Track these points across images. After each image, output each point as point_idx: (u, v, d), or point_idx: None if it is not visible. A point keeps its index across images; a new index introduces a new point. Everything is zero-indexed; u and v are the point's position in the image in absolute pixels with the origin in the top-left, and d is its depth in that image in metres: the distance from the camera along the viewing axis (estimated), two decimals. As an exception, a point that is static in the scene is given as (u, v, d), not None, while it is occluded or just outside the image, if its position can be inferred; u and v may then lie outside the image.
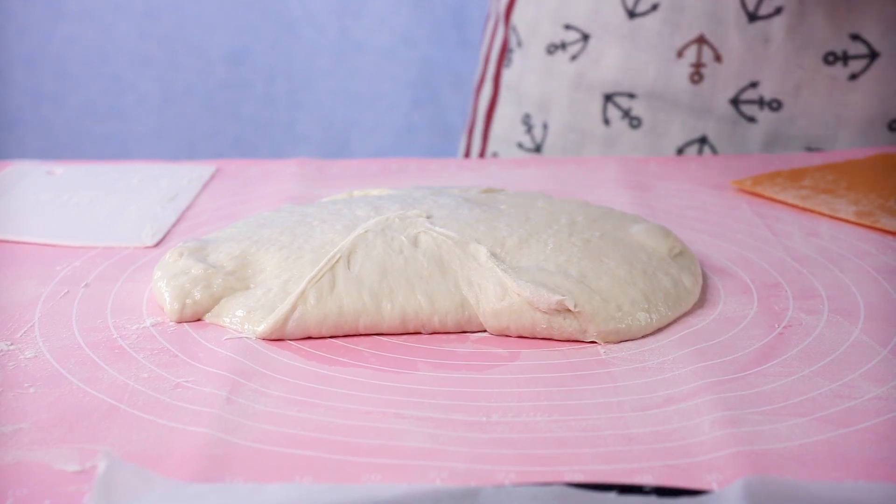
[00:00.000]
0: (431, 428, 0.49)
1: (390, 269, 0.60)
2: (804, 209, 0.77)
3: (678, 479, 0.46)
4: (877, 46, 0.80)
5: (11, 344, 0.58)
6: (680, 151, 0.89)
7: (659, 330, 0.59)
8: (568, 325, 0.58)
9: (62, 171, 0.85)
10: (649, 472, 0.46)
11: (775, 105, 0.84)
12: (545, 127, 0.93)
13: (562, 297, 0.57)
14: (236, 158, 0.90)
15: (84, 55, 2.02)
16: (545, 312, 0.57)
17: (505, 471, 0.46)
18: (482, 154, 1.02)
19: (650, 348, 0.57)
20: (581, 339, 0.58)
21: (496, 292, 0.58)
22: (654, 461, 0.47)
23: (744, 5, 0.82)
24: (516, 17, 0.97)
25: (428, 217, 0.64)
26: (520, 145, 0.96)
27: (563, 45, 0.91)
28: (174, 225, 0.75)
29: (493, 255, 0.61)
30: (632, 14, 0.85)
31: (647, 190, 0.82)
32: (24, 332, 0.59)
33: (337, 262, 0.60)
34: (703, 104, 0.88)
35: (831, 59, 0.81)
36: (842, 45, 0.81)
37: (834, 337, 0.58)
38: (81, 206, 0.78)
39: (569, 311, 0.57)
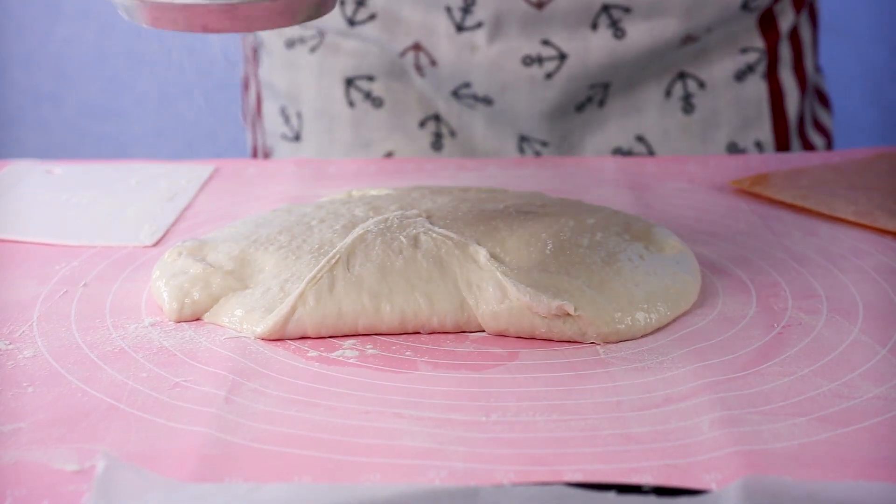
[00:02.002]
0: (430, 428, 0.49)
1: (389, 270, 0.60)
2: (803, 209, 0.77)
3: (677, 478, 0.46)
4: (565, 49, 0.91)
5: (10, 343, 0.58)
6: (422, 125, 0.98)
7: (658, 330, 0.59)
8: (568, 329, 0.58)
9: (61, 171, 0.85)
10: (648, 472, 0.46)
11: (487, 101, 0.94)
12: (299, 116, 1.01)
13: (562, 302, 0.57)
14: (235, 158, 0.90)
15: (83, 55, 2.02)
16: (545, 317, 0.57)
17: (504, 470, 0.46)
18: (257, 150, 1.09)
19: (649, 348, 0.57)
20: (581, 340, 0.58)
21: (495, 295, 0.58)
22: (653, 461, 0.47)
23: (451, 19, 0.91)
24: None
25: (427, 217, 0.64)
26: (283, 136, 1.03)
27: (303, 40, 0.99)
28: (173, 224, 0.75)
29: (493, 255, 0.61)
30: (351, 22, 0.95)
31: (647, 190, 0.82)
32: (23, 332, 0.59)
33: (336, 262, 0.59)
34: (431, 90, 0.97)
35: (528, 61, 0.91)
36: (536, 49, 0.91)
37: (833, 337, 0.58)
38: (80, 205, 0.78)
39: (568, 314, 0.57)
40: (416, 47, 0.93)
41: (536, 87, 0.93)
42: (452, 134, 0.97)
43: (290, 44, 0.99)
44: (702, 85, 0.96)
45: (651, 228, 0.67)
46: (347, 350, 0.57)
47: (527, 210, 0.67)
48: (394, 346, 0.58)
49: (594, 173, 0.86)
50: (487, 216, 0.65)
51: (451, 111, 0.97)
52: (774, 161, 0.89)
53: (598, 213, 0.68)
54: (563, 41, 0.91)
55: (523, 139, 0.97)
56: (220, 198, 0.81)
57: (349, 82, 0.98)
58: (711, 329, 0.59)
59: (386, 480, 0.46)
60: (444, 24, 0.92)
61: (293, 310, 0.58)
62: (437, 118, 0.98)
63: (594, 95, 0.95)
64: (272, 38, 1.01)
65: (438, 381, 0.54)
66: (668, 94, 0.96)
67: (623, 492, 0.44)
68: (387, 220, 0.63)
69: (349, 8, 0.94)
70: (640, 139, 0.97)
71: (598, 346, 0.57)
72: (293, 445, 0.48)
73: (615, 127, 0.97)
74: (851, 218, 0.74)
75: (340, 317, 0.58)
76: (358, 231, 0.61)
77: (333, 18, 0.95)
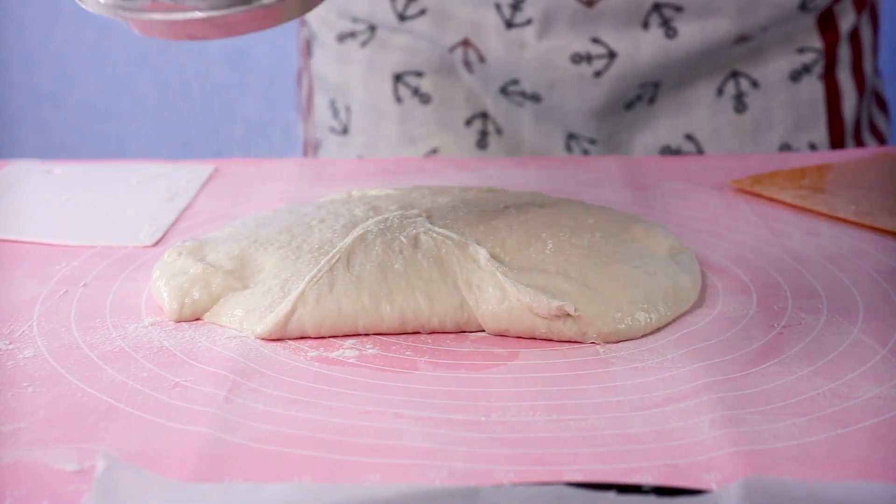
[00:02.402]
0: (430, 427, 0.49)
1: (389, 269, 0.60)
2: (803, 209, 0.77)
3: (677, 478, 0.46)
4: (615, 48, 0.91)
5: (10, 343, 0.58)
6: (468, 123, 0.99)
7: (658, 329, 0.59)
8: (568, 329, 0.58)
9: (61, 171, 0.85)
10: (648, 472, 0.46)
11: (536, 97, 0.94)
12: (348, 110, 1.02)
13: (562, 303, 0.57)
14: (235, 158, 0.90)
15: (83, 55, 2.02)
16: (545, 318, 0.57)
17: (504, 470, 0.46)
18: (308, 143, 1.10)
19: (649, 348, 0.57)
20: (581, 340, 0.58)
21: (495, 295, 0.58)
22: (653, 461, 0.47)
23: (501, 15, 0.91)
24: (309, 14, 1.04)
25: (427, 217, 0.64)
26: (332, 129, 1.04)
27: (354, 34, 0.99)
28: (173, 224, 0.75)
29: (493, 255, 0.61)
30: (402, 17, 0.95)
31: (647, 190, 0.82)
32: (23, 332, 0.59)
33: (336, 262, 0.59)
34: (479, 87, 0.97)
35: (577, 59, 0.92)
36: (585, 47, 0.91)
37: (833, 336, 0.58)
38: (80, 205, 0.78)
39: (569, 315, 0.57)
40: (465, 43, 0.93)
41: (585, 85, 0.93)
42: (499, 132, 0.98)
43: (342, 38, 1.00)
44: (755, 84, 0.95)
45: (651, 228, 0.67)
46: (347, 350, 0.57)
47: (527, 210, 0.67)
48: (394, 346, 0.58)
49: (594, 173, 0.86)
50: (487, 216, 0.65)
51: (498, 108, 0.97)
52: (775, 161, 0.89)
53: (598, 213, 0.68)
54: (612, 39, 0.91)
55: (571, 137, 0.97)
56: (220, 198, 0.81)
57: (398, 78, 0.98)
58: (711, 329, 0.59)
59: (386, 480, 0.46)
60: (493, 21, 0.92)
61: (293, 310, 0.58)
62: (484, 116, 0.98)
63: (644, 94, 0.95)
64: (324, 31, 1.02)
65: (438, 381, 0.54)
66: (720, 92, 0.96)
67: (623, 492, 0.44)
68: (387, 220, 0.63)
69: (400, 3, 0.95)
70: (690, 137, 0.97)
71: (598, 346, 0.57)
72: (293, 445, 0.48)
73: (664, 125, 0.97)
74: (851, 218, 0.74)
75: (340, 316, 0.58)
76: (358, 231, 0.61)
77: (384, 13, 0.96)
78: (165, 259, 0.64)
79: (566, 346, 0.58)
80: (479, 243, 0.61)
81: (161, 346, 0.57)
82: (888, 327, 0.59)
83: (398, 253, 0.60)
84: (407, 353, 0.57)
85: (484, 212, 0.66)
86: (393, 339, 0.59)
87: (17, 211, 0.77)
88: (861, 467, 0.46)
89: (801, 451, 0.47)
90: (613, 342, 0.58)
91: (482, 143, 0.99)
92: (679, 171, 0.86)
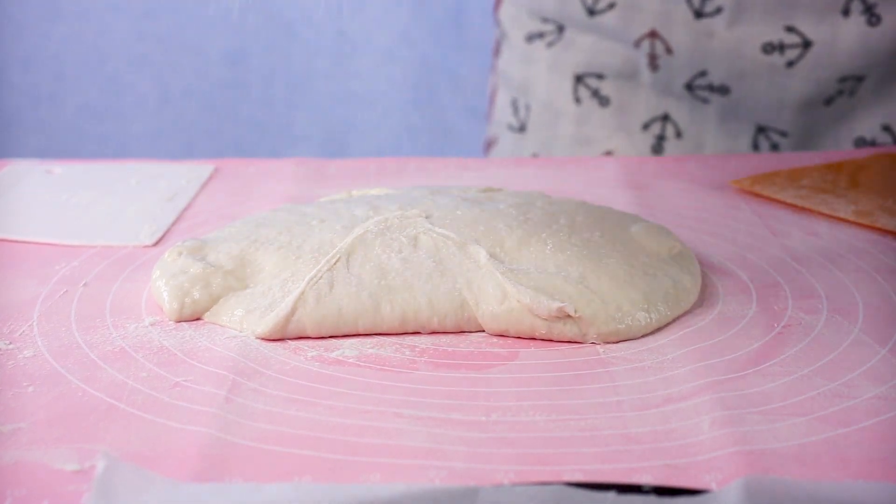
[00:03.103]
0: (430, 427, 0.49)
1: (389, 269, 0.60)
2: (803, 209, 0.77)
3: (677, 478, 0.46)
4: (810, 36, 0.89)
5: (10, 343, 0.58)
6: (646, 127, 0.99)
7: (658, 329, 0.59)
8: (568, 330, 0.58)
9: (61, 171, 0.85)
10: (648, 472, 0.46)
11: (724, 90, 0.93)
12: (527, 108, 1.03)
13: (562, 304, 0.57)
14: (235, 158, 0.90)
15: (82, 55, 2.02)
16: (545, 319, 0.57)
17: (504, 470, 0.46)
18: (490, 139, 1.11)
19: (649, 348, 0.57)
20: (581, 341, 0.58)
21: (495, 296, 0.58)
22: (653, 461, 0.47)
23: (690, 5, 0.90)
24: (501, 13, 1.07)
25: (427, 217, 0.64)
26: (509, 126, 1.05)
27: (541, 35, 1.00)
28: (173, 224, 0.75)
29: (493, 255, 0.61)
30: (591, 11, 0.95)
31: (647, 190, 0.82)
32: (23, 332, 0.59)
33: (336, 262, 0.59)
34: (662, 87, 0.97)
35: (769, 48, 0.90)
36: (778, 36, 0.89)
37: (833, 336, 0.58)
38: (80, 205, 0.78)
39: (569, 316, 0.57)
40: (653, 34, 0.93)
41: (776, 76, 0.91)
42: (678, 135, 0.97)
43: (530, 38, 1.01)
44: None
45: (651, 228, 0.67)
46: (347, 349, 0.57)
47: (527, 210, 0.67)
48: (394, 346, 0.58)
49: (594, 173, 0.86)
50: (487, 216, 0.65)
51: (681, 109, 0.97)
52: (775, 161, 0.89)
53: (598, 213, 0.68)
54: (808, 27, 0.89)
55: (760, 130, 0.95)
56: (221, 197, 0.81)
57: (579, 79, 0.99)
58: (711, 329, 0.59)
59: (386, 480, 0.46)
60: (682, 11, 0.91)
61: (293, 310, 0.58)
62: (664, 119, 0.98)
63: (845, 89, 0.92)
64: (514, 31, 1.03)
65: (438, 381, 0.54)
66: None
67: (623, 492, 0.44)
68: (387, 220, 0.63)
69: None
70: (887, 129, 0.94)
71: (598, 346, 0.57)
72: (293, 445, 0.48)
73: (862, 116, 0.95)
74: (851, 218, 0.74)
75: (340, 317, 0.58)
76: (358, 231, 0.62)
77: (574, 8, 0.97)
78: (165, 259, 0.64)
79: (566, 346, 0.58)
80: (478, 243, 0.61)
81: (161, 346, 0.57)
82: (888, 327, 0.59)
83: (398, 253, 0.60)
84: (407, 352, 0.57)
85: (484, 212, 0.66)
86: (393, 338, 0.59)
87: (17, 211, 0.77)
88: (861, 467, 0.46)
89: (801, 451, 0.47)
90: (613, 342, 0.58)
91: (658, 147, 0.99)
92: (679, 171, 0.86)
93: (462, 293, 0.59)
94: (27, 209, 0.77)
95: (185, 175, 0.84)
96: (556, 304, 0.57)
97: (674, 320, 0.60)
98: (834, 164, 0.85)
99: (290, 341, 0.58)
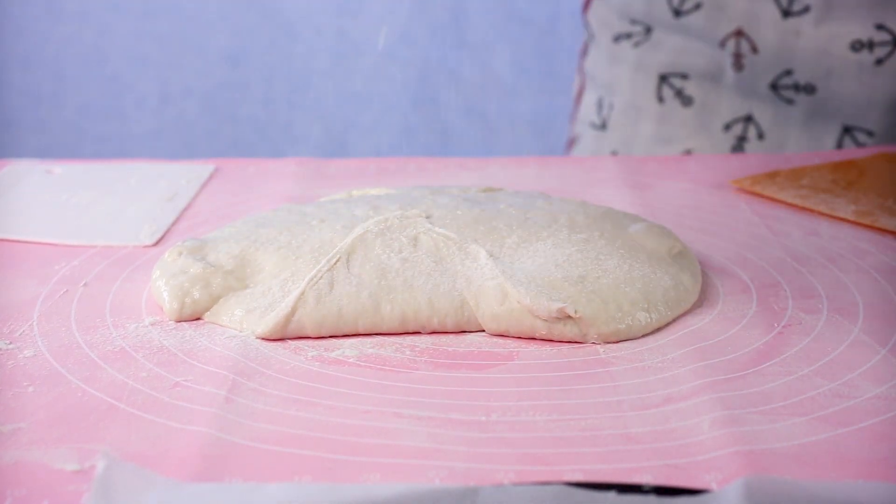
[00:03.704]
0: (430, 427, 0.49)
1: (389, 269, 0.60)
2: (803, 209, 0.77)
3: (677, 478, 0.46)
4: None
5: (10, 343, 0.58)
6: (727, 128, 0.99)
7: (658, 329, 0.59)
8: (568, 331, 0.58)
9: (61, 171, 0.85)
10: (648, 472, 0.46)
11: (809, 89, 0.93)
12: (611, 106, 1.04)
13: (562, 305, 0.57)
14: (235, 158, 0.90)
15: (82, 55, 2.01)
16: (546, 320, 0.57)
17: (504, 470, 0.46)
18: (572, 137, 1.14)
19: (649, 347, 0.57)
20: (581, 341, 0.58)
21: (495, 296, 0.58)
22: (653, 460, 0.47)
23: (778, 4, 0.91)
24: (590, 15, 1.09)
25: (427, 217, 0.64)
26: (591, 124, 1.07)
27: (629, 35, 1.02)
28: (173, 224, 0.75)
29: (493, 255, 0.61)
30: (678, 12, 0.96)
31: (647, 190, 0.82)
32: (23, 331, 0.59)
33: (336, 262, 0.59)
34: (746, 87, 0.97)
35: (858, 46, 0.89)
36: (867, 33, 0.89)
37: (833, 336, 0.58)
38: (80, 205, 0.78)
39: (569, 317, 0.57)
40: (738, 33, 0.93)
41: (865, 74, 0.91)
42: (760, 136, 0.98)
43: (617, 38, 1.03)
44: None
45: (651, 228, 0.67)
46: (347, 349, 0.57)
47: (527, 210, 0.67)
48: (394, 346, 0.58)
49: (594, 173, 0.86)
50: (487, 216, 0.65)
51: (765, 110, 0.97)
52: (775, 161, 0.89)
53: (598, 213, 0.68)
54: None
55: (846, 130, 0.95)
56: (221, 197, 0.81)
57: (663, 78, 1.01)
58: (712, 329, 0.59)
59: (386, 480, 0.46)
60: (769, 10, 0.92)
61: (293, 310, 0.58)
62: (747, 119, 0.98)
63: None
64: (602, 32, 1.05)
65: (438, 381, 0.54)
66: None
67: (623, 491, 0.44)
68: (387, 220, 0.63)
69: None
70: None
71: (598, 346, 0.57)
72: (293, 445, 0.48)
73: None
74: (851, 218, 0.74)
75: (340, 317, 0.58)
76: (358, 231, 0.62)
77: (661, 9, 0.98)
78: (165, 259, 0.64)
79: (566, 345, 0.58)
80: (478, 243, 0.61)
81: (161, 346, 0.57)
82: (888, 327, 0.59)
83: (398, 253, 0.60)
84: (407, 352, 0.57)
85: (484, 212, 0.66)
86: (393, 338, 0.59)
87: (17, 211, 0.77)
88: (861, 467, 0.46)
89: (802, 451, 0.47)
90: (613, 342, 0.58)
91: (738, 147, 1.00)
92: (679, 171, 0.86)
93: (462, 293, 0.59)
94: (27, 209, 0.77)
95: (185, 175, 0.84)
96: (556, 305, 0.57)
97: (674, 320, 0.60)
98: (834, 163, 0.85)
99: (290, 341, 0.58)
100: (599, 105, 1.07)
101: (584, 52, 1.10)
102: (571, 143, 1.12)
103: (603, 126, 1.06)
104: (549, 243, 0.63)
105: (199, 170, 0.86)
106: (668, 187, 0.82)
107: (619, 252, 0.63)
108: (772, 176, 0.82)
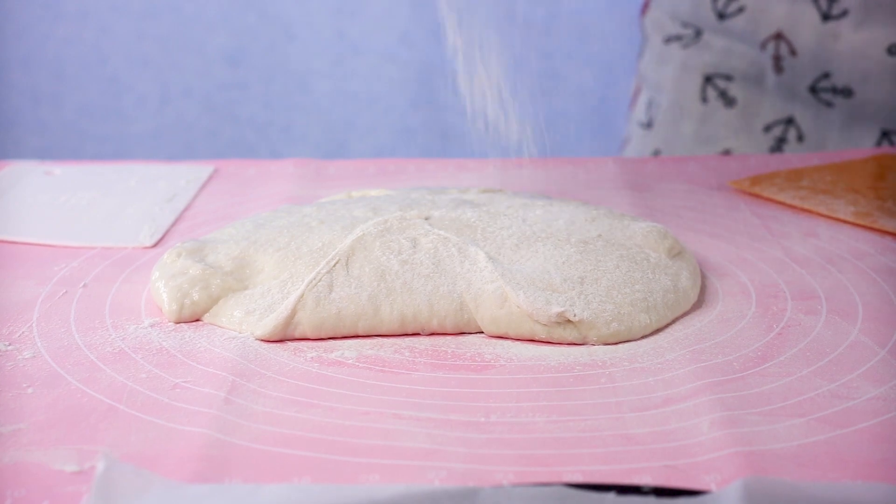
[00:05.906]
0: (430, 428, 0.49)
1: (389, 271, 0.60)
2: (802, 210, 0.77)
3: (677, 479, 0.46)
4: None
5: (9, 344, 0.58)
6: (767, 129, 1.01)
7: (658, 330, 0.59)
8: (568, 335, 0.58)
9: (60, 172, 0.85)
10: (648, 473, 0.46)
11: (847, 92, 0.95)
12: (658, 106, 1.07)
13: (562, 310, 0.57)
14: (234, 159, 0.90)
15: (82, 56, 2.01)
16: (545, 325, 0.57)
17: (503, 471, 0.46)
18: (625, 137, 1.16)
19: (649, 349, 0.57)
20: (581, 343, 0.58)
21: (495, 300, 0.58)
22: (652, 462, 0.47)
23: (818, 8, 0.93)
24: (646, 19, 1.12)
25: (427, 218, 0.64)
26: (639, 122, 1.10)
27: (679, 37, 1.04)
28: (172, 225, 0.75)
29: (492, 257, 0.61)
30: (721, 15, 0.98)
31: (647, 190, 0.82)
32: (23, 333, 0.59)
33: (336, 264, 0.59)
34: (787, 90, 0.99)
35: (894, 50, 0.91)
36: None
37: (832, 337, 0.58)
38: (80, 206, 0.78)
39: (569, 321, 0.57)
40: (778, 36, 0.95)
41: None
42: (800, 138, 1.00)
43: (668, 40, 1.05)
44: None
45: (651, 229, 0.67)
46: (347, 351, 0.57)
47: (526, 211, 0.67)
48: (393, 347, 0.58)
49: (594, 173, 0.86)
50: (487, 217, 0.65)
51: (806, 113, 0.99)
52: (774, 161, 0.89)
53: (598, 214, 0.68)
54: None
55: (885, 135, 0.97)
56: (220, 198, 0.81)
57: (708, 79, 1.03)
58: (711, 330, 0.59)
59: (385, 481, 0.46)
60: (809, 14, 0.93)
61: (293, 312, 0.58)
62: (788, 122, 1.00)
63: None
64: (655, 34, 1.07)
65: (438, 382, 0.54)
66: None
67: (623, 492, 0.44)
68: (386, 221, 0.63)
69: (721, 2, 0.98)
70: None
71: (597, 347, 0.57)
72: (293, 446, 0.48)
73: None
74: (851, 218, 0.74)
75: (340, 319, 0.58)
76: (357, 232, 0.61)
77: (706, 12, 1.01)
78: (165, 260, 0.64)
79: (565, 346, 0.58)
80: (478, 245, 0.61)
81: (161, 347, 0.57)
82: (888, 327, 0.59)
83: (397, 254, 0.60)
84: (406, 354, 0.57)
85: (482, 213, 0.66)
86: (392, 340, 0.59)
87: (17, 211, 0.77)
88: (860, 468, 0.46)
89: (801, 452, 0.47)
90: (613, 343, 0.58)
91: (776, 148, 1.01)
92: (679, 171, 0.86)
93: (462, 295, 0.59)
94: (27, 210, 0.77)
95: (184, 176, 0.84)
96: (556, 310, 0.57)
97: (673, 321, 0.60)
98: (833, 164, 0.85)
99: (289, 342, 0.58)
100: (649, 105, 1.09)
101: (641, 54, 1.13)
102: (624, 143, 1.14)
103: (649, 125, 1.08)
104: (549, 244, 0.63)
105: (198, 171, 0.86)
106: (667, 188, 0.82)
107: (618, 253, 0.63)
108: (771, 177, 0.82)
